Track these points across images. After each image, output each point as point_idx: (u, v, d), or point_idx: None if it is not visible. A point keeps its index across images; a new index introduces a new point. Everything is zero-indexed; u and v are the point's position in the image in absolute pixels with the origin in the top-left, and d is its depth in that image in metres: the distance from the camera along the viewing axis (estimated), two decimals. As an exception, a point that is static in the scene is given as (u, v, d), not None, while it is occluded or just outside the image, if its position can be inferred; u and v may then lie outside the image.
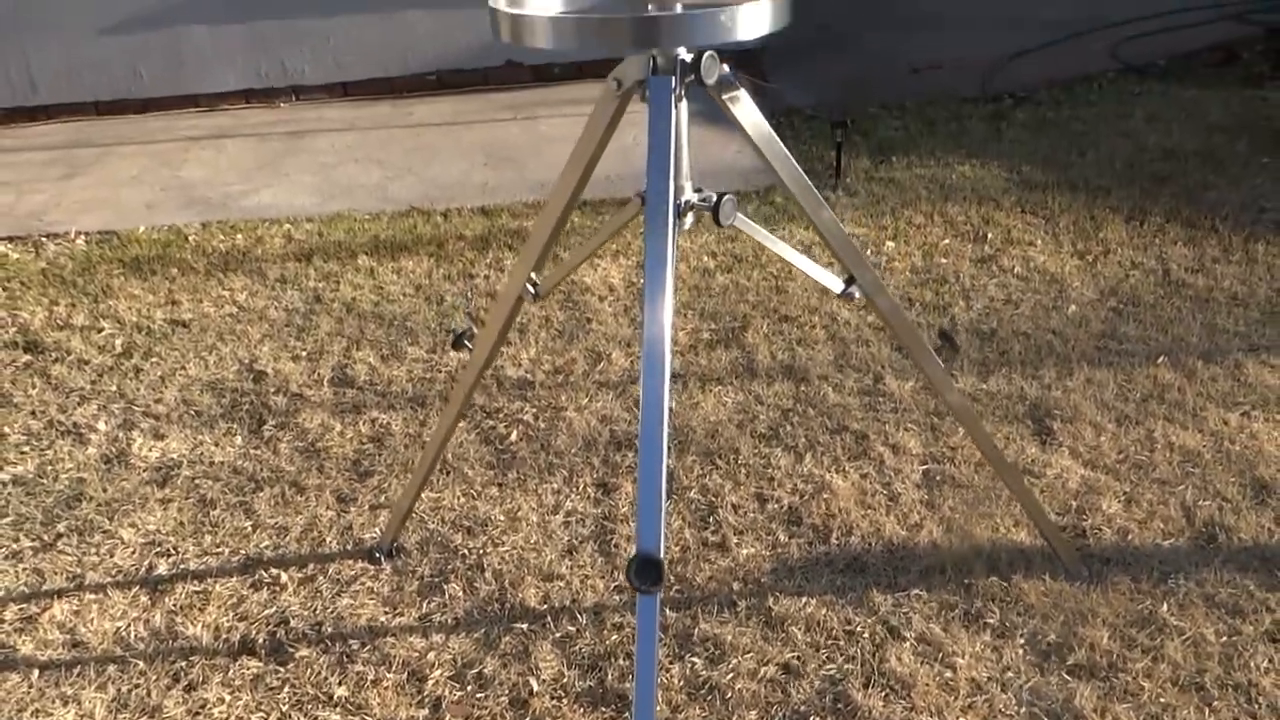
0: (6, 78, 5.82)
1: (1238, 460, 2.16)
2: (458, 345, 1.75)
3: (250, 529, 2.12)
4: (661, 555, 1.16)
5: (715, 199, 1.35)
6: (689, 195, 1.37)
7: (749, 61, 6.20)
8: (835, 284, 1.57)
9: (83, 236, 3.94)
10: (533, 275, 1.61)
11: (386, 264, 3.44)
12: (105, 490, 2.27)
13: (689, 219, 1.39)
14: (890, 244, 3.40)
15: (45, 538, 2.13)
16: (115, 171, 4.85)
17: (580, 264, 2.01)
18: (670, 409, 1.74)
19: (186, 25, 5.79)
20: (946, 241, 3.39)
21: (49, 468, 2.37)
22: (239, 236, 3.81)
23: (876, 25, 7.83)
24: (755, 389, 2.52)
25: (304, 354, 2.85)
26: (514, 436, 2.39)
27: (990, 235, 3.41)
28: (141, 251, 3.68)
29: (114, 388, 2.71)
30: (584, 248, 1.82)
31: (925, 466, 2.19)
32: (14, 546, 2.11)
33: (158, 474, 2.33)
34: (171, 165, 4.93)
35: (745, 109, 1.38)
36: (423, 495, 2.15)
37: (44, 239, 3.92)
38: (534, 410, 2.49)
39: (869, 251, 3.35)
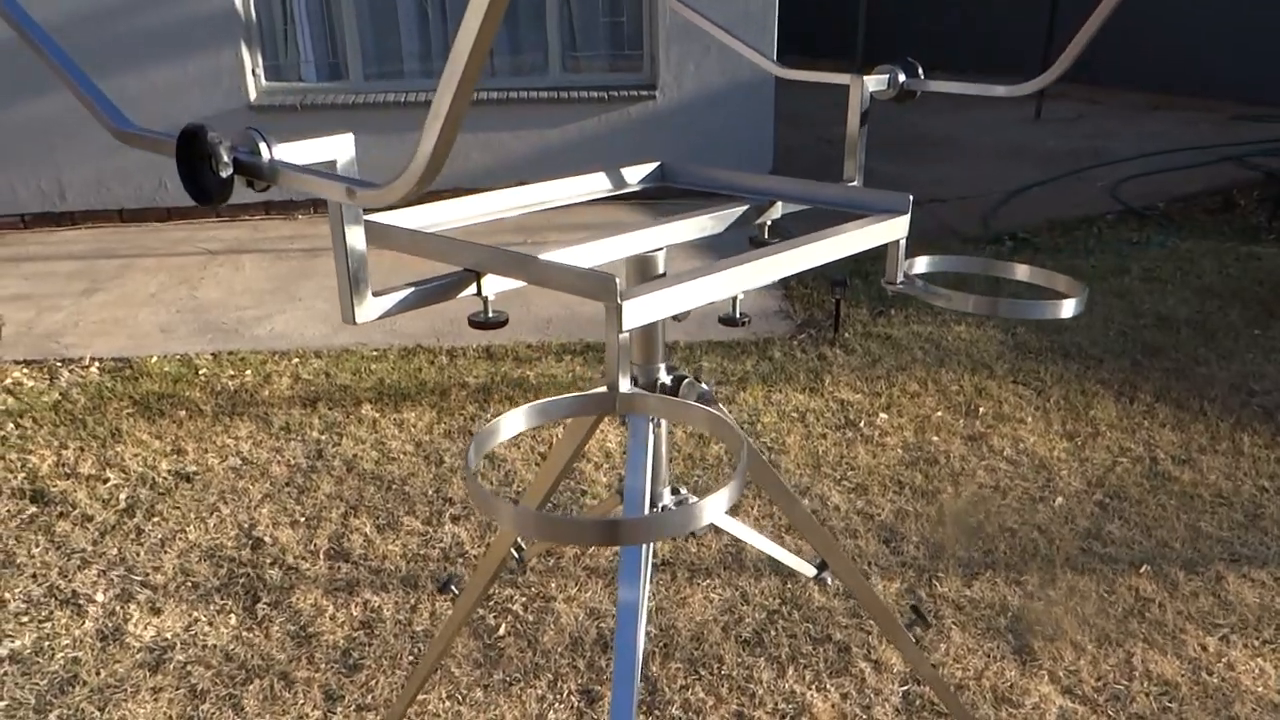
0: (38, 185, 5.99)
1: (1215, 695, 2.18)
2: (444, 590, 1.80)
3: (237, 728, 2.16)
4: None
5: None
6: (667, 500, 1.43)
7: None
8: (808, 570, 1.62)
9: (97, 364, 4.03)
10: (519, 540, 1.66)
11: (389, 414, 3.51)
12: (99, 674, 2.31)
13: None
14: (883, 415, 3.46)
15: (36, 728, 2.16)
16: (135, 288, 4.97)
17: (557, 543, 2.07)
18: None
19: (212, 140, 5.93)
20: (939, 414, 3.46)
21: (46, 644, 2.41)
22: (248, 373, 3.90)
23: (882, 153, 8.01)
24: (743, 584, 2.57)
25: (302, 519, 2.90)
26: (502, 630, 2.43)
27: (982, 410, 3.47)
28: (152, 386, 3.77)
29: (115, 550, 2.77)
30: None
31: (905, 687, 2.22)
32: (5, 737, 2.14)
33: (151, 655, 2.37)
34: (189, 283, 5.05)
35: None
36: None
37: (59, 364, 4.02)
38: (523, 599, 2.53)
39: (862, 422, 3.41)
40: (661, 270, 1.31)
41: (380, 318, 1.15)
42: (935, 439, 3.30)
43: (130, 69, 5.75)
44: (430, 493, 3.03)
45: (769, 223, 1.50)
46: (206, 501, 3.00)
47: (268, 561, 2.72)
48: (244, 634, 2.44)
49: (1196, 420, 3.39)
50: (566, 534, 0.90)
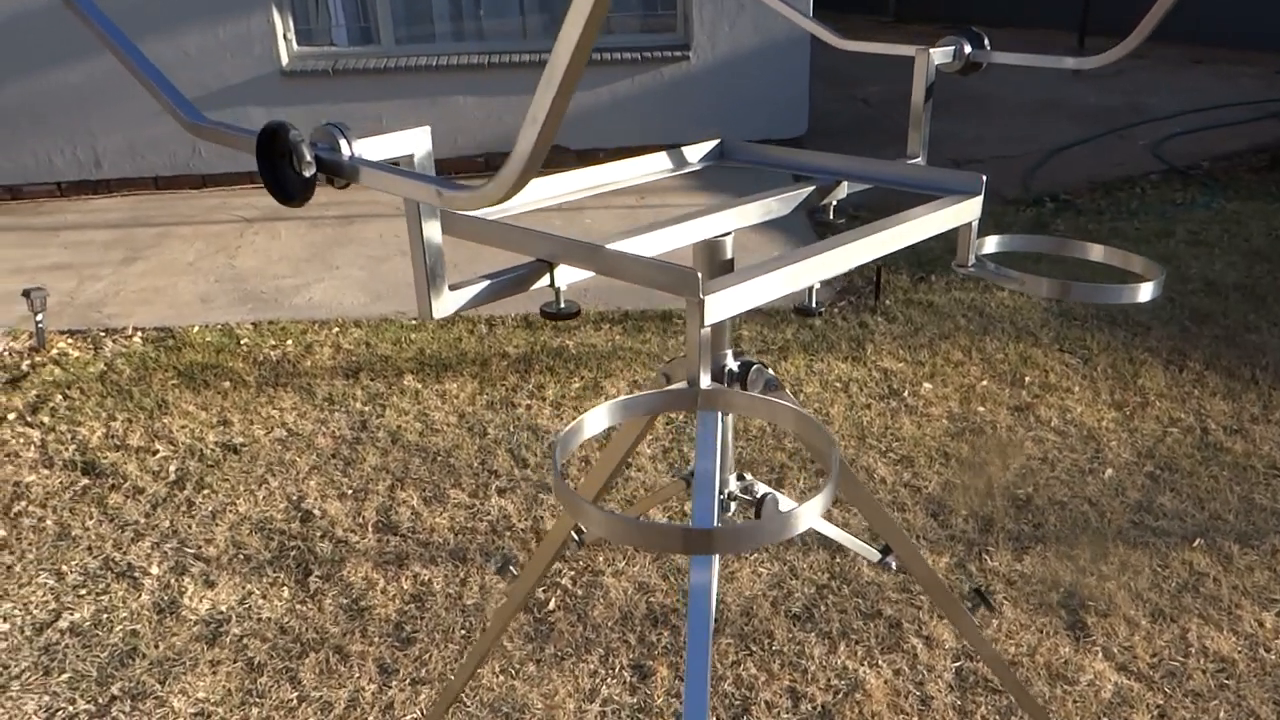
0: (74, 153, 6.01)
1: (1273, 673, 2.16)
2: (502, 572, 1.80)
3: (296, 701, 2.19)
4: None
5: (760, 496, 1.39)
6: (733, 487, 1.42)
7: (792, 151, 6.27)
8: (872, 554, 1.61)
9: (140, 334, 4.06)
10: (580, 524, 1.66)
11: (431, 385, 3.52)
12: (157, 647, 2.35)
13: (732, 506, 1.44)
14: (927, 385, 3.43)
15: (100, 700, 2.20)
16: (173, 257, 4.99)
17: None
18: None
19: (243, 106, 5.95)
20: (984, 384, 3.42)
21: (104, 616, 2.45)
22: (289, 343, 3.91)
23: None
24: (791, 559, 2.56)
25: (350, 492, 2.92)
26: (552, 604, 2.44)
27: (1028, 379, 3.43)
28: (196, 356, 3.79)
29: (167, 523, 2.80)
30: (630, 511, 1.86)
31: (958, 664, 2.21)
32: (71, 710, 2.18)
33: (207, 629, 2.40)
34: (227, 251, 5.06)
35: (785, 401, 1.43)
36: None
37: (103, 335, 4.05)
38: (572, 573, 2.54)
39: (905, 392, 3.38)
40: (729, 255, 1.29)
41: (457, 312, 1.13)
42: (981, 409, 3.27)
43: (162, 36, 5.73)
44: (475, 465, 3.04)
45: (834, 203, 1.47)
46: (255, 474, 3.03)
47: (317, 534, 2.74)
48: (297, 607, 2.47)
49: (1248, 389, 3.34)
50: (658, 541, 0.89)
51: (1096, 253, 1.42)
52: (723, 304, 1.01)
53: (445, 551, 2.66)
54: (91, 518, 2.84)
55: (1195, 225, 4.96)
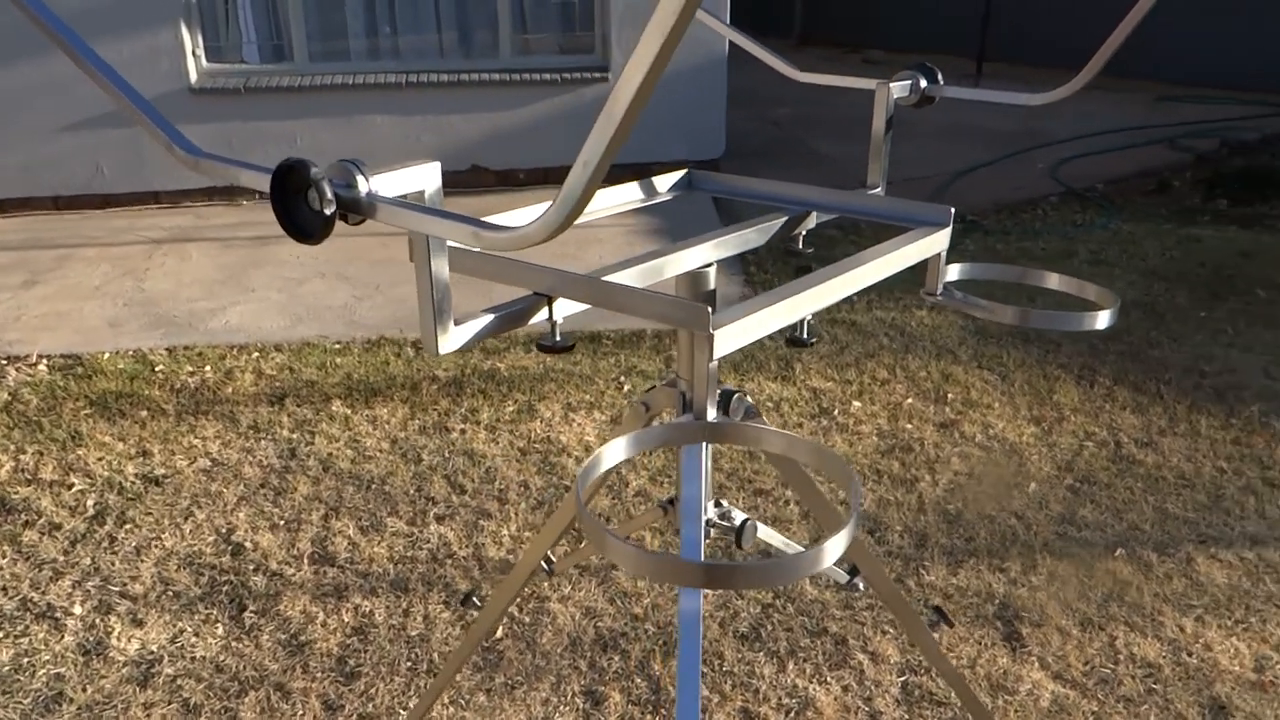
0: (-38, 172, 5.73)
1: (1195, 676, 2.27)
2: (466, 602, 1.78)
3: (238, 742, 2.12)
4: None
5: (739, 524, 1.41)
6: (710, 514, 1.43)
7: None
8: (841, 575, 1.64)
9: (45, 361, 3.89)
10: (549, 553, 1.65)
11: (361, 411, 3.46)
12: (85, 690, 2.24)
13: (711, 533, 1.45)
14: (856, 403, 3.51)
15: (25, 750, 2.10)
16: (77, 280, 4.80)
17: (590, 553, 2.06)
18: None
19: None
20: (910, 401, 3.52)
21: (25, 660, 2.34)
22: (208, 369, 3.80)
23: (830, 133, 8.08)
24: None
25: (282, 523, 2.85)
26: (500, 632, 2.41)
27: (950, 396, 3.54)
28: (108, 385, 3.65)
29: (88, 560, 2.68)
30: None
31: (903, 678, 2.27)
32: (-7, 761, 2.07)
33: (138, 670, 2.31)
34: (135, 274, 4.89)
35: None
36: (411, 701, 2.18)
37: (4, 363, 3.87)
38: (517, 600, 2.52)
39: (835, 410, 3.45)
40: (712, 286, 1.31)
41: (461, 349, 1.12)
42: (908, 426, 3.36)
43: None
44: (411, 492, 2.99)
45: (804, 233, 1.51)
46: (179, 506, 2.93)
47: (250, 568, 2.66)
48: (233, 644, 2.39)
49: (1154, 403, 3.51)
50: (681, 577, 0.89)
51: (1053, 281, 1.49)
52: (731, 338, 1.03)
53: (386, 582, 2.61)
54: (4, 556, 2.70)
55: (1095, 245, 5.20)
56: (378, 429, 3.34)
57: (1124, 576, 2.61)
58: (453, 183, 6.18)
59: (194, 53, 5.84)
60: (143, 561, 2.69)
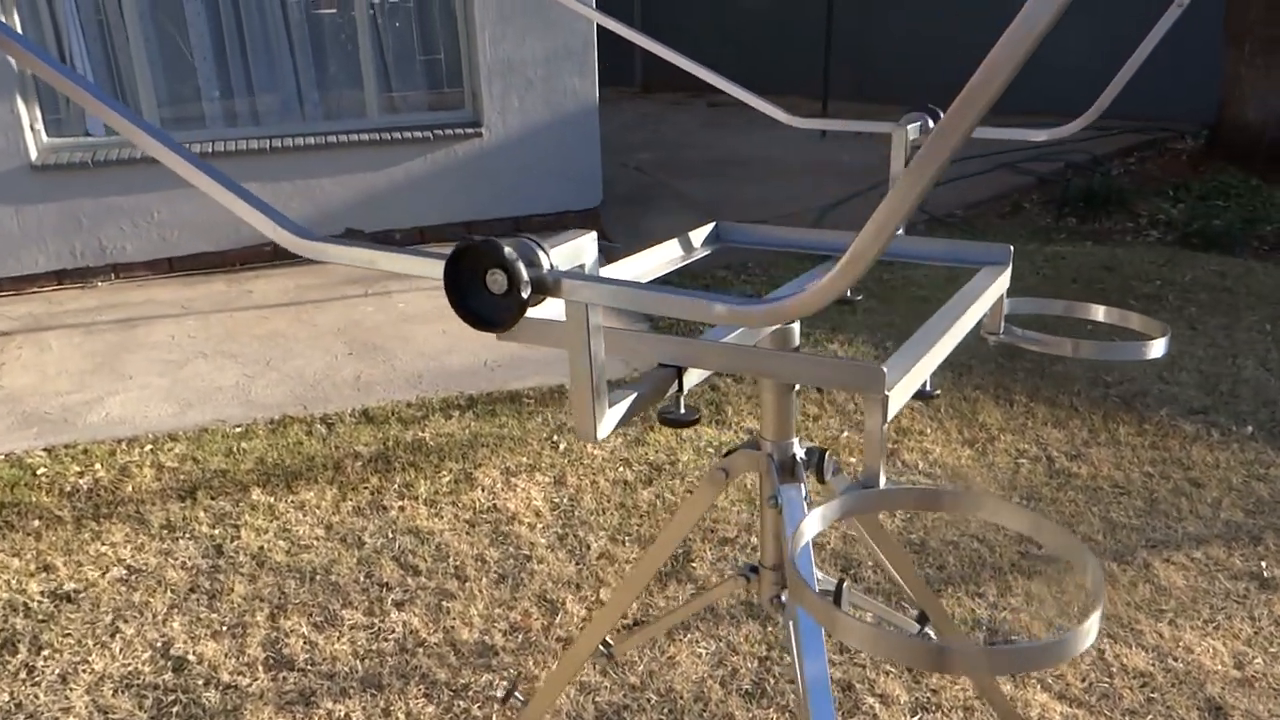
0: None
1: (1186, 680, 2.34)
2: (506, 700, 1.65)
3: None
4: None
5: (835, 586, 1.35)
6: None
7: (589, 220, 6.35)
8: (910, 625, 1.60)
9: (-98, 475, 3.48)
10: (606, 637, 1.55)
11: (284, 498, 3.22)
12: None
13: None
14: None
15: None
16: (-78, 383, 4.33)
17: (662, 630, 1.97)
18: None
19: (-12, 205, 5.32)
20: (846, 434, 3.55)
21: (-48, 824, 2.04)
22: (98, 467, 3.48)
23: (693, 175, 8.20)
24: (724, 634, 2.52)
25: (224, 628, 2.60)
26: (494, 718, 2.26)
27: (884, 426, 3.59)
28: (-15, 495, 3.29)
29: (5, 697, 2.38)
30: (668, 618, 1.76)
31: (916, 718, 2.24)
32: None
33: (93, 817, 2.05)
34: (-12, 370, 4.46)
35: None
36: (419, 815, 2.00)
37: None
38: (504, 683, 2.37)
39: (777, 451, 3.44)
40: (797, 343, 1.26)
41: (613, 430, 1.03)
42: (851, 460, 3.38)
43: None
44: (361, 579, 2.80)
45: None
46: (102, 623, 2.64)
47: (199, 683, 2.41)
48: (198, 772, 2.16)
49: (1072, 416, 3.65)
50: (920, 659, 0.83)
51: (1099, 313, 1.50)
52: (898, 397, 0.98)
53: (355, 681, 2.41)
54: (-98, 704, 2.37)
55: (974, 269, 5.42)
56: (308, 515, 3.12)
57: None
58: (328, 248, 5.94)
59: (33, 127, 5.42)
60: (72, 690, 2.40)
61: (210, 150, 5.63)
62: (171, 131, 5.75)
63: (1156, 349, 1.36)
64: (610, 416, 1.01)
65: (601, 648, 1.57)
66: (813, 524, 0.98)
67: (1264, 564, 2.77)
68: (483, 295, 0.76)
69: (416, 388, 4.13)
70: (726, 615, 2.60)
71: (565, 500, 3.16)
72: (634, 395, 1.06)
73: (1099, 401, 3.76)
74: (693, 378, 1.15)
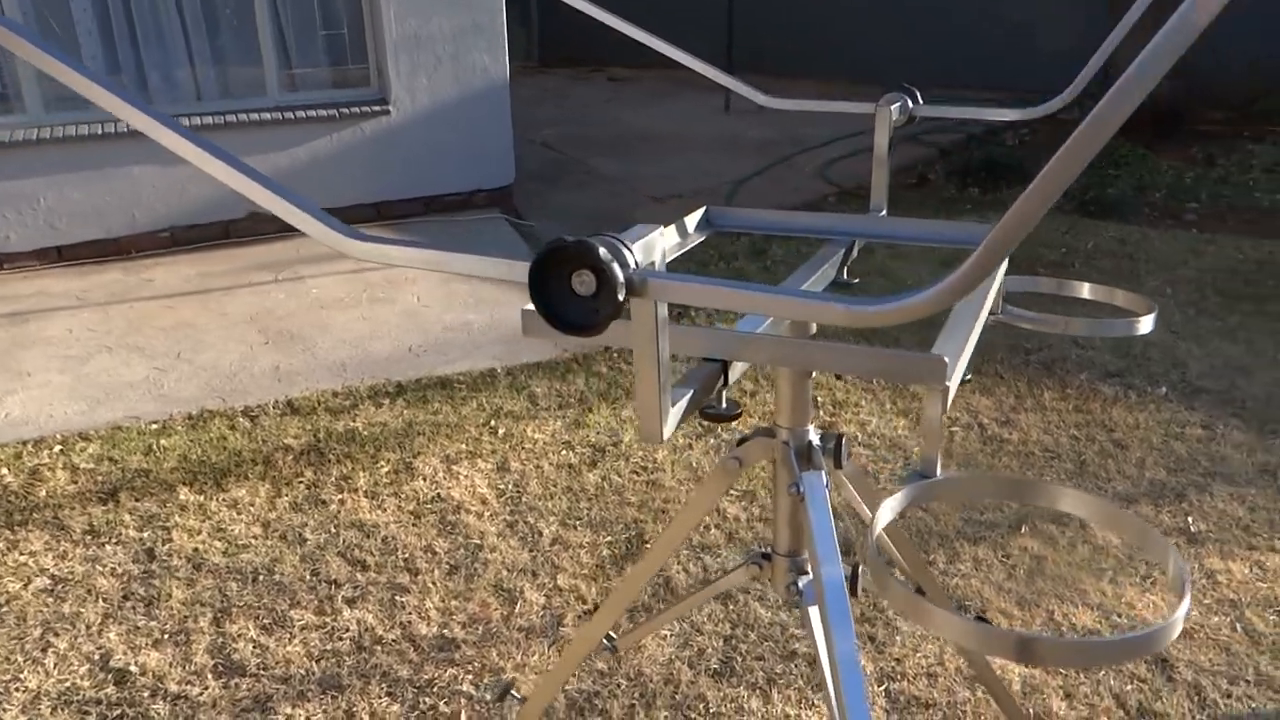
0: None
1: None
2: (502, 699, 1.61)
3: None
4: None
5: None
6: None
7: (501, 199, 6.25)
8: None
9: None
10: (610, 631, 1.52)
11: (215, 496, 3.09)
12: None
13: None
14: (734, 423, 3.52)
15: None
16: None
17: (665, 623, 1.93)
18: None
19: None
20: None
21: None
22: (4, 471, 3.27)
23: (602, 150, 8.14)
24: (686, 615, 2.52)
25: (165, 636, 2.49)
26: (464, 716, 2.22)
27: (820, 399, 3.64)
28: (-119, 507, 3.06)
29: (-69, 723, 2.23)
30: (676, 607, 1.73)
31: (884, 686, 2.28)
32: None
33: (44, 845, 1.93)
34: None
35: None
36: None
37: None
38: (470, 676, 2.33)
39: (719, 429, 3.46)
40: (814, 331, 1.24)
41: (675, 429, 1.00)
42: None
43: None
44: (307, 577, 2.70)
45: (849, 263, 1.47)
46: (30, 637, 2.49)
47: (145, 695, 2.30)
48: (155, 790, 2.06)
49: (997, 384, 3.76)
50: (1005, 650, 0.83)
51: (1085, 290, 1.53)
52: (952, 387, 0.97)
53: (313, 683, 2.33)
54: None
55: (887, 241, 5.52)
56: (243, 513, 3.00)
57: (1036, 551, 2.77)
58: (230, 231, 5.71)
59: (-99, 108, 5.04)
60: (7, 711, 2.26)
61: (100, 133, 5.33)
62: (54, 113, 5.43)
63: (1145, 325, 1.40)
64: (673, 416, 0.98)
65: (605, 641, 1.54)
66: (884, 515, 0.97)
67: (1190, 519, 2.90)
68: (568, 297, 0.71)
69: (341, 376, 4.00)
70: (683, 590, 2.59)
71: (511, 486, 3.11)
72: (690, 393, 1.04)
73: (1021, 369, 3.88)
74: (736, 371, 1.13)
